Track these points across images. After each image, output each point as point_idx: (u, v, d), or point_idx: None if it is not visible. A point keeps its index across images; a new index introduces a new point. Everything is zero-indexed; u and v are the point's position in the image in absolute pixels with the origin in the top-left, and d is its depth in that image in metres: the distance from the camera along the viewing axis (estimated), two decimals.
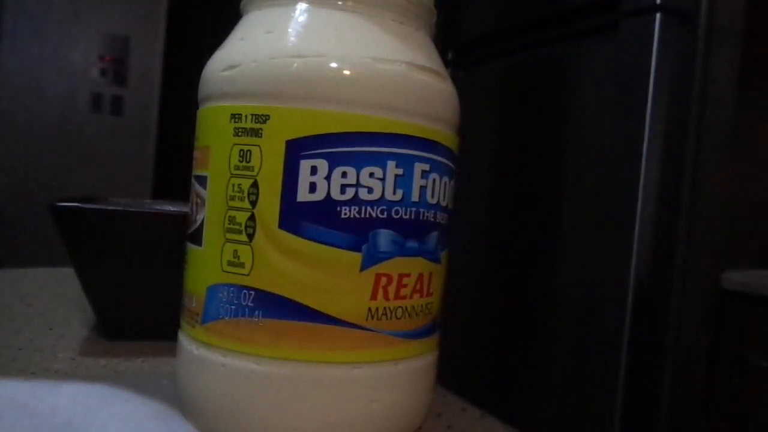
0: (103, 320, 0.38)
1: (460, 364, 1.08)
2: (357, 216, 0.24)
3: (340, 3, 0.25)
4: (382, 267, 0.24)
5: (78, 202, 0.37)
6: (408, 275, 0.25)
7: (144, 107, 1.98)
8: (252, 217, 0.24)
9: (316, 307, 0.24)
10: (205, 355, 0.25)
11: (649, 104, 0.78)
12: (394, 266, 0.25)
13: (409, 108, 0.25)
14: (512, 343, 0.98)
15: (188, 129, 0.30)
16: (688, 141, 0.81)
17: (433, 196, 0.26)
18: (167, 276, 0.33)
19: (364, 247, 0.24)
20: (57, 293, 0.50)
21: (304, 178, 0.23)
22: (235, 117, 0.24)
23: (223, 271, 0.24)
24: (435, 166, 0.26)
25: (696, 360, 0.84)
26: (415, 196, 0.25)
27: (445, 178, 0.27)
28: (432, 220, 0.26)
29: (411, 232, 0.25)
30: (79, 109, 1.90)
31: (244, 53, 0.25)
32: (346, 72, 0.24)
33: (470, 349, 1.08)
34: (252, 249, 0.24)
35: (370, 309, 0.24)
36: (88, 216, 0.35)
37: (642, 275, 0.78)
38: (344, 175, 0.23)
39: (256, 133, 0.24)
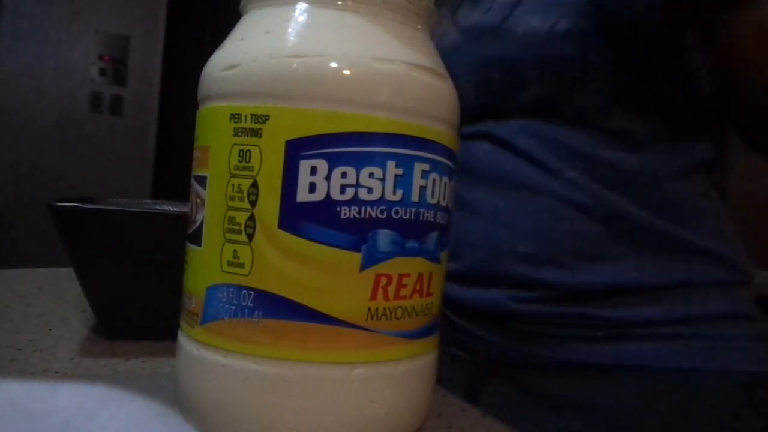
0: (103, 320, 0.38)
1: None
2: (357, 216, 0.24)
3: (340, 3, 0.25)
4: (382, 267, 0.24)
5: (77, 202, 0.37)
6: (408, 275, 0.25)
7: (144, 107, 1.98)
8: (252, 218, 0.24)
9: (316, 307, 0.23)
10: (204, 356, 0.25)
11: None
12: (394, 266, 0.25)
13: (409, 108, 0.25)
14: None
15: (188, 129, 0.30)
16: None
17: (433, 196, 0.26)
18: (167, 276, 0.33)
19: (363, 247, 0.24)
20: (56, 293, 0.50)
21: (303, 178, 0.23)
22: (235, 117, 0.24)
23: (223, 271, 0.24)
24: (435, 166, 0.26)
25: None
26: (415, 196, 0.25)
27: (445, 178, 0.26)
28: (432, 220, 0.26)
29: (411, 232, 0.25)
30: (78, 108, 1.90)
31: (244, 53, 0.25)
32: (346, 72, 0.24)
33: None
34: (252, 249, 0.24)
35: (369, 309, 0.24)
36: (87, 216, 0.35)
37: None
38: (344, 175, 0.23)
39: (255, 133, 0.24)
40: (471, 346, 0.50)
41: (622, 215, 0.46)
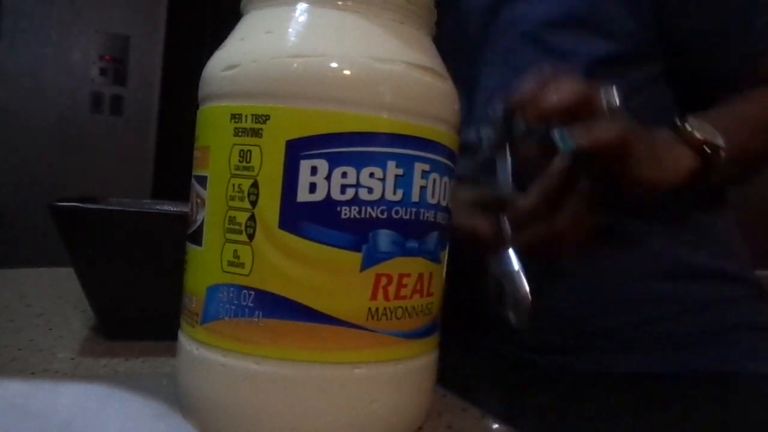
0: (103, 320, 0.38)
1: None
2: (357, 216, 0.24)
3: (340, 3, 0.25)
4: (382, 267, 0.24)
5: (78, 202, 0.37)
6: (408, 275, 0.25)
7: (144, 107, 1.98)
8: (252, 217, 0.24)
9: (316, 307, 0.23)
10: (204, 355, 0.25)
11: None
12: (394, 266, 0.25)
13: (409, 108, 0.25)
14: None
15: (188, 129, 0.30)
16: None
17: (433, 196, 0.26)
18: (167, 276, 0.33)
19: (364, 247, 0.24)
20: (57, 293, 0.50)
21: (304, 178, 0.23)
22: (235, 117, 0.24)
23: (223, 271, 0.24)
24: (435, 166, 0.26)
25: None
26: (415, 196, 0.25)
27: (445, 178, 0.26)
28: (432, 220, 0.26)
29: (411, 232, 0.25)
30: (79, 108, 1.90)
31: (244, 53, 0.25)
32: (346, 72, 0.24)
33: None
34: (252, 249, 0.24)
35: (370, 309, 0.24)
36: (88, 216, 0.35)
37: None
38: (344, 175, 0.23)
39: (256, 133, 0.24)
40: (511, 359, 0.51)
41: (655, 253, 0.49)
